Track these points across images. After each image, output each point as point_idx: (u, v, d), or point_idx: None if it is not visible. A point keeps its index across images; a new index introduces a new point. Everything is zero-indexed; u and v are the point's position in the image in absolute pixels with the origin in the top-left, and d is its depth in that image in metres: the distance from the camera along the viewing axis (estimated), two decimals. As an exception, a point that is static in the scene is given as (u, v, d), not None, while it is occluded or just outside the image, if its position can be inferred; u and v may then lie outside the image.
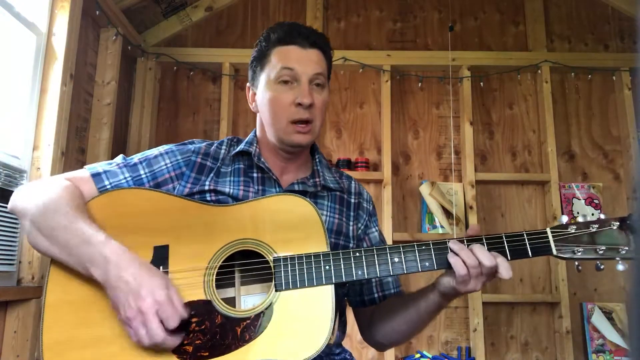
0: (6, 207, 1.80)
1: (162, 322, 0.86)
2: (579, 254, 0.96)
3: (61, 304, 0.94)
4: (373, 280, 1.19)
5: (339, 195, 1.19)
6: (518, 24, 3.13)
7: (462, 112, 2.94)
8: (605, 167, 2.96)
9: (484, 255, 0.94)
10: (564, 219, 0.99)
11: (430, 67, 2.99)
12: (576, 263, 0.98)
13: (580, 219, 0.98)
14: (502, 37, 3.12)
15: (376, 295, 1.19)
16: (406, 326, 1.11)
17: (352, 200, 1.21)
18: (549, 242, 0.97)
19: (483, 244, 0.97)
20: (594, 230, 0.96)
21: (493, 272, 0.94)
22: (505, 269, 0.94)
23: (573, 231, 0.97)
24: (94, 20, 2.49)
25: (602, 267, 0.95)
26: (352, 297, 1.21)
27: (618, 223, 0.95)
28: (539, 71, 2.96)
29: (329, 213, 1.16)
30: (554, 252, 0.96)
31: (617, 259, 0.94)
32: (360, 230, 1.21)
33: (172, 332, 0.88)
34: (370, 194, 1.29)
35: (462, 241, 0.98)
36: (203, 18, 3.09)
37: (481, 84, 2.99)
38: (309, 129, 1.11)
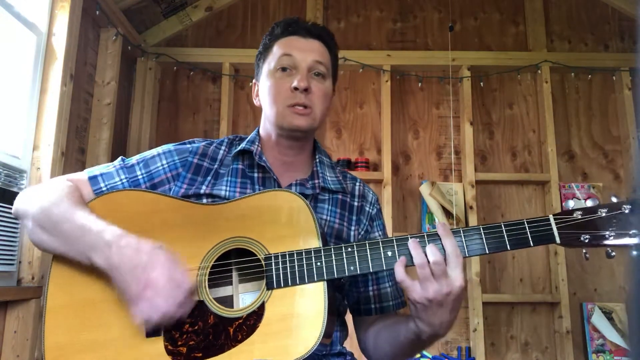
0: (6, 207, 1.82)
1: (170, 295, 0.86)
2: (586, 240, 0.89)
3: (62, 307, 0.94)
4: (371, 291, 1.16)
5: (340, 198, 1.16)
6: (518, 24, 3.13)
7: (462, 112, 2.94)
8: (605, 167, 2.96)
9: (430, 252, 0.89)
10: (571, 203, 0.93)
11: (430, 67, 2.99)
12: (584, 251, 0.91)
13: (589, 203, 0.91)
14: (502, 37, 3.11)
15: (373, 306, 1.16)
16: (389, 347, 1.07)
17: (355, 204, 1.18)
18: (551, 229, 0.90)
19: (461, 236, 0.92)
20: (603, 214, 0.89)
21: (443, 268, 0.88)
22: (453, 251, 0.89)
23: (579, 217, 0.90)
24: (94, 20, 2.49)
25: (612, 254, 0.89)
26: (350, 305, 1.18)
27: (630, 206, 0.87)
28: (539, 71, 2.96)
29: (329, 217, 1.13)
30: (558, 240, 0.90)
31: (631, 244, 0.87)
32: (360, 235, 1.17)
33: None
34: (376, 195, 1.24)
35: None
36: (203, 18, 3.09)
37: (481, 84, 2.99)
38: (307, 111, 1.09)
